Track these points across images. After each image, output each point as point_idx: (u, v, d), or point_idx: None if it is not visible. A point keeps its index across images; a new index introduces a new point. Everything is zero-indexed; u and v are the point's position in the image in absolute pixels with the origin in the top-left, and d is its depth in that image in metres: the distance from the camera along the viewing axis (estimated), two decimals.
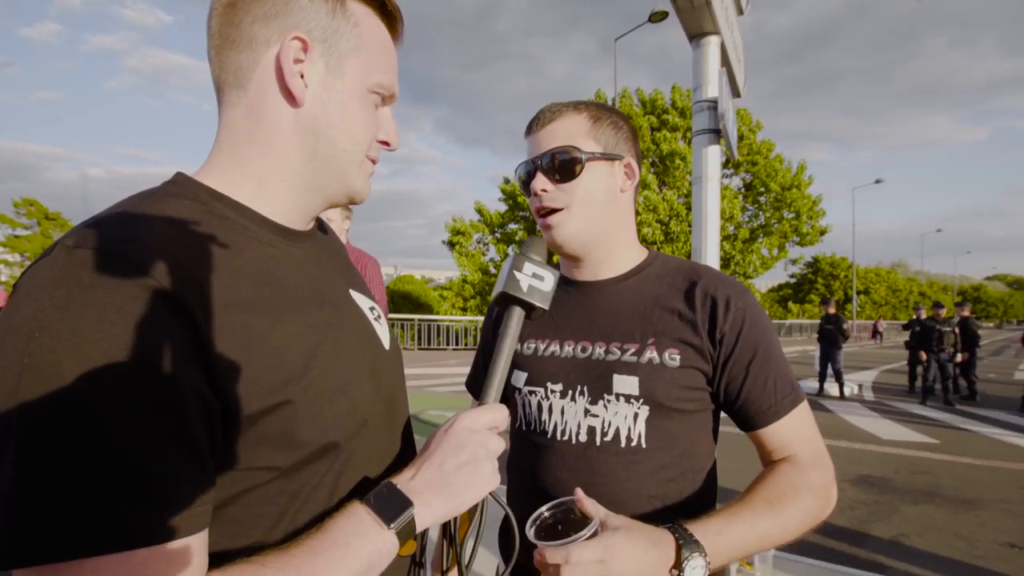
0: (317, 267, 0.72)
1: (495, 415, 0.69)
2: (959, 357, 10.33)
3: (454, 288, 24.25)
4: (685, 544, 0.78)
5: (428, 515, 0.62)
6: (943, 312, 10.62)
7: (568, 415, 0.99)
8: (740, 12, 3.81)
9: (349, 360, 0.67)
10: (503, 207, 24.11)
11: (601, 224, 1.02)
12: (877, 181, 33.02)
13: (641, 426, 0.94)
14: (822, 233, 25.04)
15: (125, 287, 0.48)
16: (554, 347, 1.04)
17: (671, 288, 1.00)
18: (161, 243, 0.53)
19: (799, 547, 2.90)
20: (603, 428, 0.96)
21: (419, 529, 0.61)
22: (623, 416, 0.95)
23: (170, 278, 0.51)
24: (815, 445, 0.96)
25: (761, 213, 25.00)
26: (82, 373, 0.45)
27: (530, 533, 0.78)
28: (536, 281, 0.76)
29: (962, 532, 4.01)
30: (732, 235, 22.23)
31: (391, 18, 0.70)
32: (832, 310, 11.00)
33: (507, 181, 23.84)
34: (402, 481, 0.63)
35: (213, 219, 0.60)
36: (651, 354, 0.95)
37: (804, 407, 0.96)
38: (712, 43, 3.11)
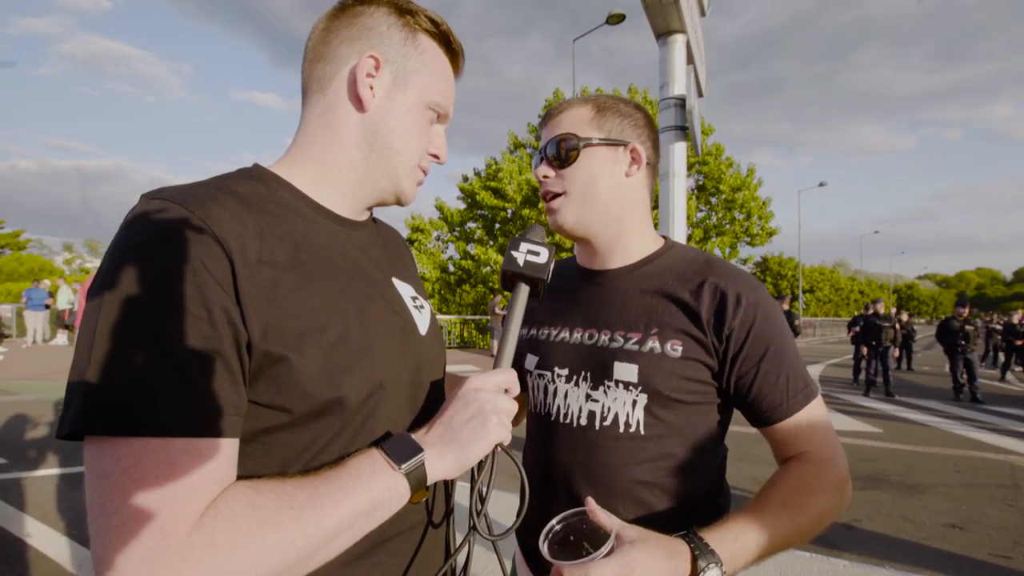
0: (360, 251, 0.79)
1: (504, 377, 0.74)
2: (895, 352, 10.94)
3: None
4: (701, 555, 0.77)
5: (440, 466, 0.67)
6: (881, 308, 11.21)
7: (571, 399, 1.01)
8: (703, 13, 3.90)
9: (373, 330, 0.72)
10: (462, 205, 23.98)
11: (606, 209, 1.03)
12: (821, 184, 34.58)
13: (640, 413, 0.95)
14: (771, 234, 26.00)
15: (181, 229, 0.59)
16: (564, 333, 1.07)
17: (680, 280, 0.99)
18: (217, 205, 0.63)
19: None
20: (603, 413, 0.97)
21: (431, 480, 0.66)
22: (622, 402, 0.96)
23: (218, 229, 0.61)
24: (829, 442, 0.95)
25: (713, 214, 25.77)
26: (147, 292, 0.56)
27: (543, 548, 0.76)
28: (532, 256, 0.82)
29: (909, 515, 4.22)
30: (688, 235, 22.85)
31: (454, 54, 0.82)
32: (785, 307, 11.44)
33: (465, 180, 23.73)
34: (417, 435, 0.69)
35: (270, 198, 0.71)
36: (653, 343, 0.95)
37: (818, 403, 0.95)
38: (679, 41, 3.17)
